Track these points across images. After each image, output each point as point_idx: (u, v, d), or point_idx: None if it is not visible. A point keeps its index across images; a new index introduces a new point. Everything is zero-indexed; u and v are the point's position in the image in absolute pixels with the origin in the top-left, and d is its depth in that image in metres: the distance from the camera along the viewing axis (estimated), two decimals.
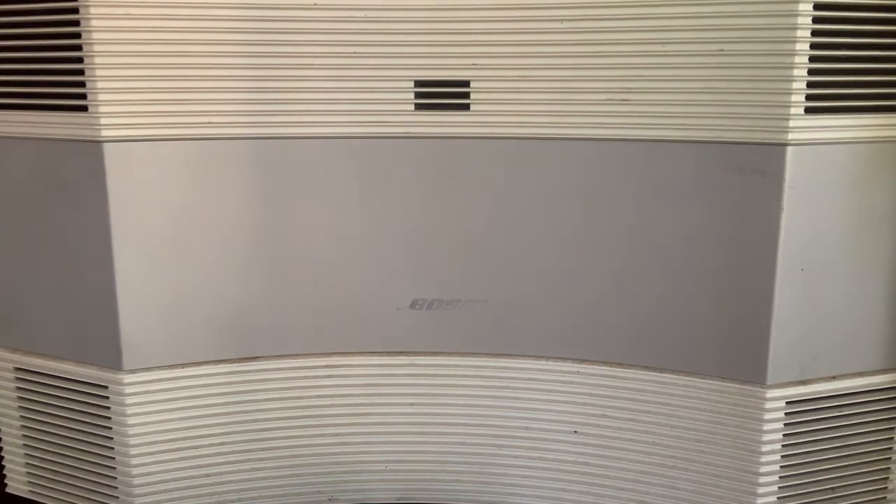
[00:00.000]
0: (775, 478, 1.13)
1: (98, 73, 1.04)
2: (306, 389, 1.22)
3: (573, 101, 1.08)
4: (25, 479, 1.28)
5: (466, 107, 1.10)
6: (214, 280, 1.16)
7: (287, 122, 1.11)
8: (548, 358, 1.19)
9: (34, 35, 1.06)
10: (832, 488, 1.16)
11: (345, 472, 1.26)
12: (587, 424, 1.21)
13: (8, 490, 1.30)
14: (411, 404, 1.23)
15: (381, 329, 1.19)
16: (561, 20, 1.05)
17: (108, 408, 1.18)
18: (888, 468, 1.17)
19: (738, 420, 1.12)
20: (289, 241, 1.16)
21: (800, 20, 0.97)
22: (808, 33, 0.98)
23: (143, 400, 1.17)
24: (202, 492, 1.23)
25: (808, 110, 1.00)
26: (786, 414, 1.11)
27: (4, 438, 1.28)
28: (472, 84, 1.09)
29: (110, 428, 1.19)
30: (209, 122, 1.10)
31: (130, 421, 1.18)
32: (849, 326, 1.10)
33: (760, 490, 1.13)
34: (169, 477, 1.21)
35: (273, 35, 1.07)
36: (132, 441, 1.18)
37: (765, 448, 1.12)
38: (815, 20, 0.98)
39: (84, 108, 1.06)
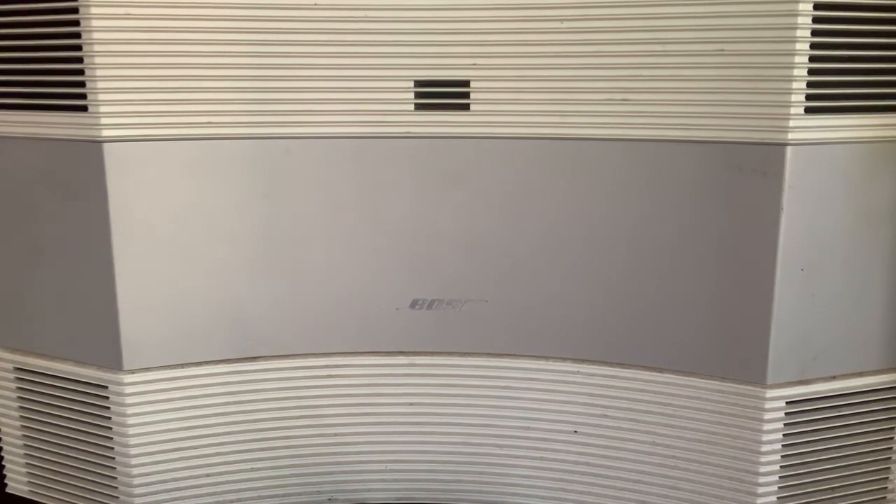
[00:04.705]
0: (775, 478, 1.13)
1: (98, 73, 1.04)
2: (306, 389, 1.22)
3: (573, 101, 1.08)
4: (25, 479, 1.28)
5: (466, 107, 1.10)
6: (214, 280, 1.16)
7: (287, 122, 1.11)
8: (548, 358, 1.19)
9: (34, 35, 1.06)
10: (832, 488, 1.16)
11: (345, 472, 1.26)
12: (587, 424, 1.20)
13: (8, 490, 1.30)
14: (411, 404, 1.23)
15: (381, 329, 1.19)
16: (561, 20, 1.05)
17: (108, 408, 1.18)
18: (888, 468, 1.17)
19: (738, 420, 1.12)
20: (289, 241, 1.16)
21: (800, 20, 0.97)
22: (808, 33, 0.98)
23: (143, 400, 1.17)
24: (202, 492, 1.23)
25: (808, 110, 1.00)
26: (786, 414, 1.11)
27: (4, 438, 1.28)
28: (472, 84, 1.09)
29: (110, 428, 1.19)
30: (209, 122, 1.10)
31: (130, 421, 1.18)
32: (849, 326, 1.10)
33: (760, 490, 1.13)
34: (169, 477, 1.21)
35: (273, 35, 1.07)
36: (132, 441, 1.18)
37: (765, 448, 1.12)
38: (815, 20, 0.98)
39: (84, 108, 1.06)
